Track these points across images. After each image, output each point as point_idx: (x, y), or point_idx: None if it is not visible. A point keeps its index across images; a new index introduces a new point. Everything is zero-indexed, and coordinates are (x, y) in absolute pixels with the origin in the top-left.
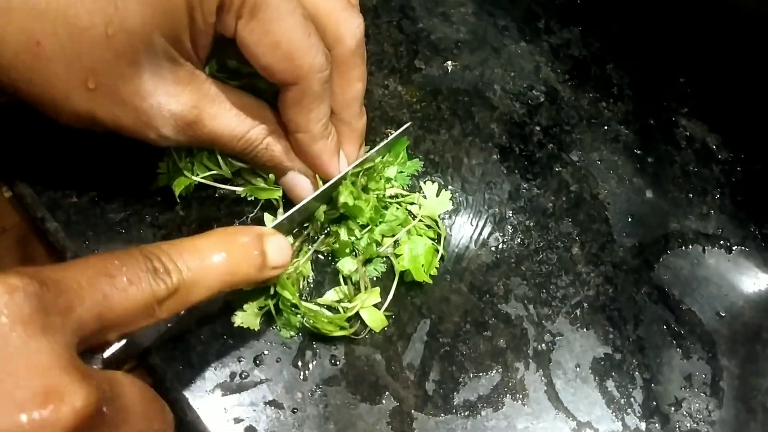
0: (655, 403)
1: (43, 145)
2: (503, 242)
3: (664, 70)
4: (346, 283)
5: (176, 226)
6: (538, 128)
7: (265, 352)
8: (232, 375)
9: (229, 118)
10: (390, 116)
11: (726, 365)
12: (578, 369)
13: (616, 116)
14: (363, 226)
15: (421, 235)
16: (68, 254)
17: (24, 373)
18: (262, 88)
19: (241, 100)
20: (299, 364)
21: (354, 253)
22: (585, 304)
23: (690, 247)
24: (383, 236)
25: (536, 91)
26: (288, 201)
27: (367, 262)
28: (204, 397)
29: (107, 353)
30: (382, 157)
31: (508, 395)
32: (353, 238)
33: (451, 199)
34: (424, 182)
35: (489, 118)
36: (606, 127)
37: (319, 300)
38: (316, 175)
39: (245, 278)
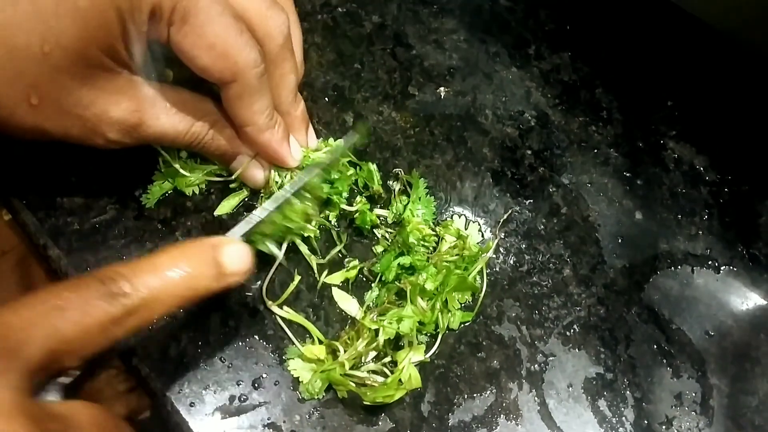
0: (646, 421)
1: (45, 172)
2: (496, 264)
3: (652, 94)
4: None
5: None
6: (529, 152)
7: (264, 375)
8: (231, 398)
9: (170, 117)
10: (384, 142)
11: (716, 384)
12: (571, 389)
13: (605, 139)
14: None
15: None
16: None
17: None
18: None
19: (181, 97)
20: (297, 387)
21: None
22: (577, 325)
23: (679, 267)
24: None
25: (527, 116)
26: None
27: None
28: (204, 421)
29: (67, 380)
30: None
31: (502, 415)
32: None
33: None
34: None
35: (481, 142)
36: (596, 150)
37: (361, 370)
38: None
39: (205, 290)
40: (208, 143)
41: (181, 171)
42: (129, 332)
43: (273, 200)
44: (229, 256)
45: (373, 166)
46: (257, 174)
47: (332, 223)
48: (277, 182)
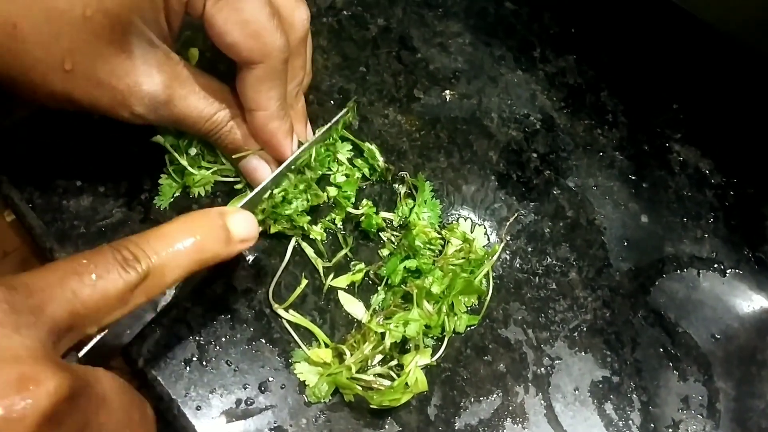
0: (653, 425)
1: (52, 175)
2: (502, 268)
3: (657, 96)
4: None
5: None
6: (534, 155)
7: (270, 379)
8: (238, 402)
9: (198, 100)
10: (390, 145)
11: (722, 387)
12: (577, 392)
13: (611, 143)
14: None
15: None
16: None
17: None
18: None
19: (209, 84)
20: (304, 390)
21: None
22: (583, 328)
23: (685, 270)
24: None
25: (533, 119)
26: None
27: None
28: (210, 424)
29: (83, 351)
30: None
31: (508, 419)
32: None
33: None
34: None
35: (487, 145)
36: (601, 154)
37: (368, 374)
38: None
39: (214, 255)
40: (225, 134)
41: (189, 168)
42: (143, 300)
43: (271, 175)
44: (236, 223)
45: (372, 146)
46: (264, 173)
47: (338, 226)
48: None
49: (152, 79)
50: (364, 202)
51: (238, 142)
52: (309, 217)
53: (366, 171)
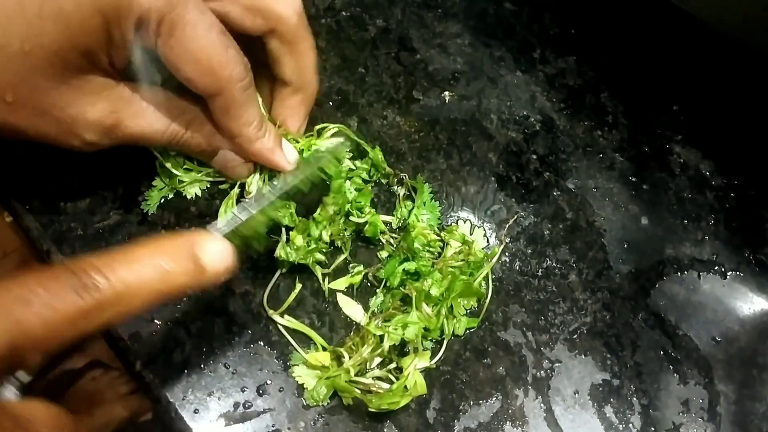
0: (653, 428)
1: (49, 177)
2: (501, 270)
3: (657, 98)
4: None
5: None
6: (534, 157)
7: (268, 382)
8: (236, 405)
9: (147, 117)
10: (389, 146)
11: (723, 390)
12: (577, 395)
13: (611, 144)
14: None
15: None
16: None
17: None
18: None
19: (157, 97)
20: (302, 393)
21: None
22: (583, 331)
23: (685, 273)
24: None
25: (532, 120)
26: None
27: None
28: (208, 427)
29: (26, 378)
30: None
31: (508, 422)
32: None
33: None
34: (456, 222)
35: (486, 147)
36: (601, 155)
37: (366, 377)
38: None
39: (182, 286)
40: (188, 141)
41: (174, 171)
42: (100, 326)
43: (257, 201)
44: (209, 254)
45: (378, 150)
46: (239, 168)
47: (345, 236)
48: (259, 183)
49: (95, 107)
50: (367, 209)
51: (204, 144)
52: (323, 257)
53: (365, 175)
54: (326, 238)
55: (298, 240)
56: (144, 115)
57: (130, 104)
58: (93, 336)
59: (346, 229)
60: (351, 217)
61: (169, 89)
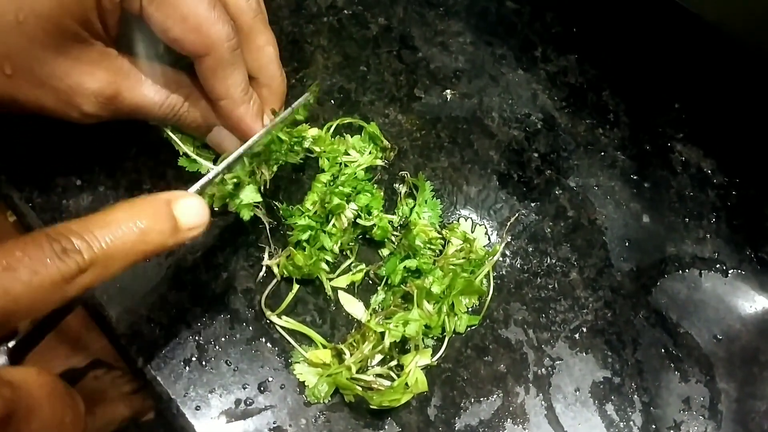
0: (654, 426)
1: (52, 174)
2: (502, 268)
3: (659, 96)
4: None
5: (182, 253)
6: (536, 155)
7: (270, 379)
8: (237, 402)
9: (146, 89)
10: (390, 144)
11: (724, 388)
12: (578, 393)
13: (612, 142)
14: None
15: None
16: None
17: None
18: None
19: (154, 70)
20: (303, 390)
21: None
22: (584, 329)
23: (687, 271)
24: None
25: (534, 118)
26: None
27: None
28: (209, 424)
29: (12, 343)
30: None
31: (509, 419)
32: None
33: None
34: (457, 220)
35: (488, 145)
36: (603, 153)
37: (368, 374)
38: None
39: (160, 245)
40: (184, 115)
41: (196, 157)
42: (82, 290)
43: (226, 160)
44: (185, 210)
45: (374, 125)
46: (231, 144)
47: (351, 244)
48: None
49: (94, 77)
50: (375, 213)
51: (200, 119)
52: (327, 268)
53: (368, 158)
54: (336, 249)
55: (299, 259)
56: (142, 87)
57: (129, 75)
58: (78, 302)
59: (354, 237)
60: (359, 220)
61: (167, 64)
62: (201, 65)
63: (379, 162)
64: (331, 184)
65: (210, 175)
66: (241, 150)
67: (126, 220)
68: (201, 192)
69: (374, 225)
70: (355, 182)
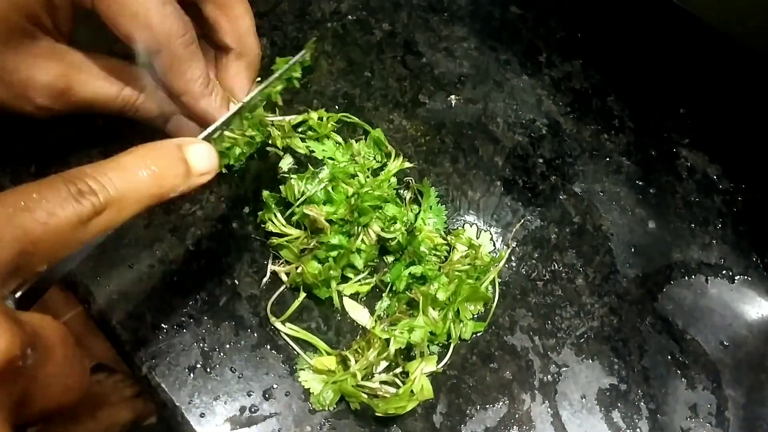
0: None
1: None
2: (508, 274)
3: (664, 101)
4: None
5: (186, 261)
6: (541, 160)
7: (275, 386)
8: (242, 409)
9: (99, 81)
10: (395, 150)
11: (731, 395)
12: (584, 400)
13: (617, 148)
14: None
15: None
16: (80, 290)
17: None
18: None
19: (108, 63)
20: (308, 397)
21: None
22: (590, 335)
23: (693, 277)
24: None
25: (539, 124)
26: None
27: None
28: None
29: (20, 292)
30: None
31: (515, 427)
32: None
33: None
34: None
35: (492, 150)
36: (608, 159)
37: (373, 381)
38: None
39: (172, 188)
40: (141, 107)
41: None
42: (97, 233)
43: (231, 110)
44: (196, 155)
45: (379, 130)
46: (190, 132)
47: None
48: None
49: (44, 71)
50: (398, 225)
51: (158, 110)
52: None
53: (372, 162)
54: (361, 266)
55: (312, 274)
56: (96, 80)
57: (81, 68)
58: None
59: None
60: (382, 233)
61: (125, 58)
62: (156, 62)
63: (408, 164)
64: (357, 196)
65: (217, 123)
66: (237, 107)
67: (139, 163)
68: (206, 135)
69: (395, 238)
70: (381, 190)
